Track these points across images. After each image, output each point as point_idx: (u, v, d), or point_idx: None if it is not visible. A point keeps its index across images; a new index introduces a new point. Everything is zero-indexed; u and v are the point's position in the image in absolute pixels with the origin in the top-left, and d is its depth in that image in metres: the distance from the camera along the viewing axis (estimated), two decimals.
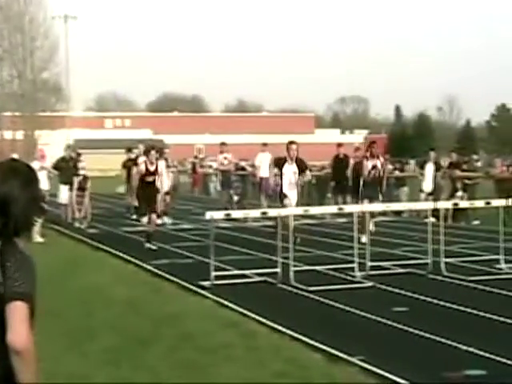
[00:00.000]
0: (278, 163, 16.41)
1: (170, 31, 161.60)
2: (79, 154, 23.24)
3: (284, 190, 16.00)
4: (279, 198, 16.20)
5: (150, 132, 79.17)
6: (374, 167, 17.13)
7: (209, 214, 11.76)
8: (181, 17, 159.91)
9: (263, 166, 25.25)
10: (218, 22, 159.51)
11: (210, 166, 38.74)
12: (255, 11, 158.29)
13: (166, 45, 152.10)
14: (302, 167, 16.36)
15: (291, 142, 16.51)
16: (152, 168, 16.67)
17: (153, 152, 17.01)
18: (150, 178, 16.58)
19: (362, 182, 17.14)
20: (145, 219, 16.67)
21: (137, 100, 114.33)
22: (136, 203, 23.83)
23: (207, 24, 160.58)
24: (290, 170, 16.09)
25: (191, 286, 11.61)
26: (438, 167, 24.14)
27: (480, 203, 14.12)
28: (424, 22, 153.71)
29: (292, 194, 15.99)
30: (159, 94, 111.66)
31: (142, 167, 16.74)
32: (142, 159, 23.57)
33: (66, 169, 21.74)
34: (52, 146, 46.09)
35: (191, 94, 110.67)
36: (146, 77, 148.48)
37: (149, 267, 13.59)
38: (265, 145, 25.59)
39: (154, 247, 16.14)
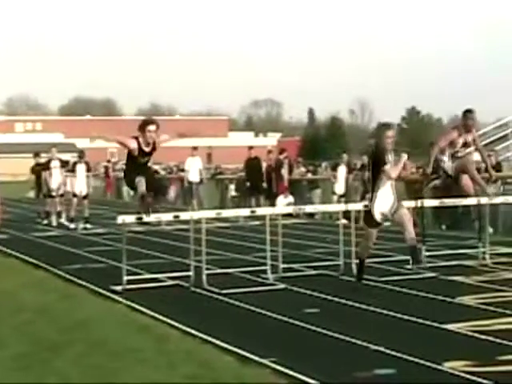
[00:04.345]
0: (375, 154, 11.32)
1: (82, 34, 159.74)
2: None
3: (378, 197, 11.13)
4: (368, 217, 11.23)
5: (61, 136, 78.17)
6: (466, 144, 13.10)
7: (121, 218, 11.68)
8: (92, 19, 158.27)
9: (192, 170, 25.37)
10: (129, 26, 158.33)
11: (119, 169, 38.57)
12: (166, 13, 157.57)
13: (79, 47, 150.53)
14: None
15: (387, 127, 11.45)
16: (147, 149, 11.73)
17: (151, 127, 11.63)
18: (144, 159, 11.85)
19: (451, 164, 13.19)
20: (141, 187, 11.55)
21: (48, 103, 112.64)
22: (47, 208, 23.63)
23: (118, 27, 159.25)
24: (389, 165, 11.21)
25: (103, 291, 11.50)
26: (349, 169, 24.49)
27: None
28: (335, 26, 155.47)
29: (388, 201, 11.18)
30: (71, 98, 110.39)
31: (134, 145, 11.63)
32: (55, 163, 23.35)
33: None
34: None
35: (103, 97, 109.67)
36: (58, 80, 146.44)
37: (60, 272, 13.40)
38: (195, 149, 25.62)
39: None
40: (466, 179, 13.33)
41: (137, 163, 11.73)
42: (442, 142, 13.19)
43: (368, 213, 11.29)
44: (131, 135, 11.78)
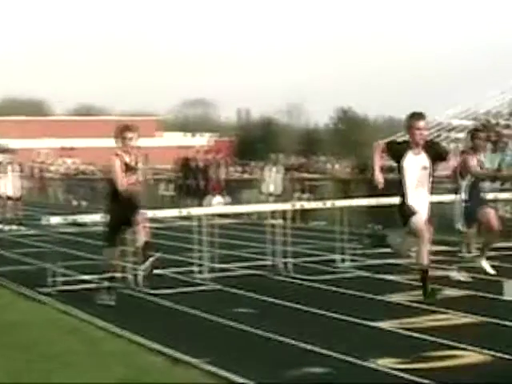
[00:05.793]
0: (395, 147, 10.10)
1: (11, 33, 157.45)
2: None
3: (409, 199, 9.79)
4: (401, 211, 9.90)
5: None
6: (480, 163, 11.82)
7: (46, 219, 11.54)
8: (20, 18, 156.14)
9: None
10: (60, 26, 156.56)
11: (49, 170, 38.23)
12: (97, 13, 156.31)
13: (7, 46, 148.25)
14: (438, 153, 10.05)
15: (417, 117, 9.88)
16: (130, 159, 10.52)
17: (129, 135, 10.45)
18: (129, 178, 10.49)
19: (470, 187, 11.66)
20: (112, 252, 10.72)
21: None
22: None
23: (48, 27, 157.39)
24: (417, 163, 9.80)
25: (32, 294, 11.32)
26: (285, 169, 24.63)
27: (321, 204, 14.42)
28: (267, 28, 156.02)
29: (421, 205, 9.83)
30: (1, 98, 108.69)
31: (118, 163, 10.39)
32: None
33: None
34: None
35: (35, 97, 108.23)
36: None
37: None
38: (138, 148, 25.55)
39: (111, 302, 10.57)
40: (485, 217, 11.70)
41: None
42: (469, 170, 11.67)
43: (401, 208, 9.89)
44: (112, 153, 10.54)
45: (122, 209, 10.41)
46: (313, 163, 29.35)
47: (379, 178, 9.85)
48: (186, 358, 7.48)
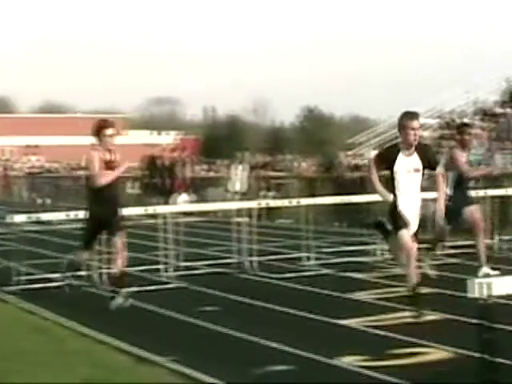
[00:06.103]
0: (385, 155, 9.50)
1: None
2: None
3: (400, 202, 9.17)
4: (392, 217, 9.23)
5: None
6: (468, 161, 11.66)
7: (10, 217, 11.48)
8: None
9: None
10: (24, 21, 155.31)
11: (13, 168, 37.95)
12: (64, 11, 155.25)
13: None
14: (429, 161, 9.30)
15: (411, 116, 9.29)
16: (110, 156, 10.04)
17: (108, 132, 9.99)
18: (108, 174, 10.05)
19: (455, 182, 11.38)
20: (85, 254, 10.65)
21: None
22: None
23: (12, 22, 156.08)
24: (409, 165, 9.21)
25: None
26: (249, 167, 24.67)
27: (286, 202, 14.45)
28: (234, 26, 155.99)
29: (412, 209, 9.20)
30: None
31: (96, 157, 9.92)
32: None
33: None
34: None
35: None
36: None
37: None
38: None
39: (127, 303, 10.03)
40: (472, 217, 11.50)
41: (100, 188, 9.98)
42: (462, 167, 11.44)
43: (392, 213, 9.28)
44: (91, 148, 10.13)
45: (103, 211, 10.05)
46: (279, 161, 29.38)
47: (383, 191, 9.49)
48: (152, 356, 7.48)
